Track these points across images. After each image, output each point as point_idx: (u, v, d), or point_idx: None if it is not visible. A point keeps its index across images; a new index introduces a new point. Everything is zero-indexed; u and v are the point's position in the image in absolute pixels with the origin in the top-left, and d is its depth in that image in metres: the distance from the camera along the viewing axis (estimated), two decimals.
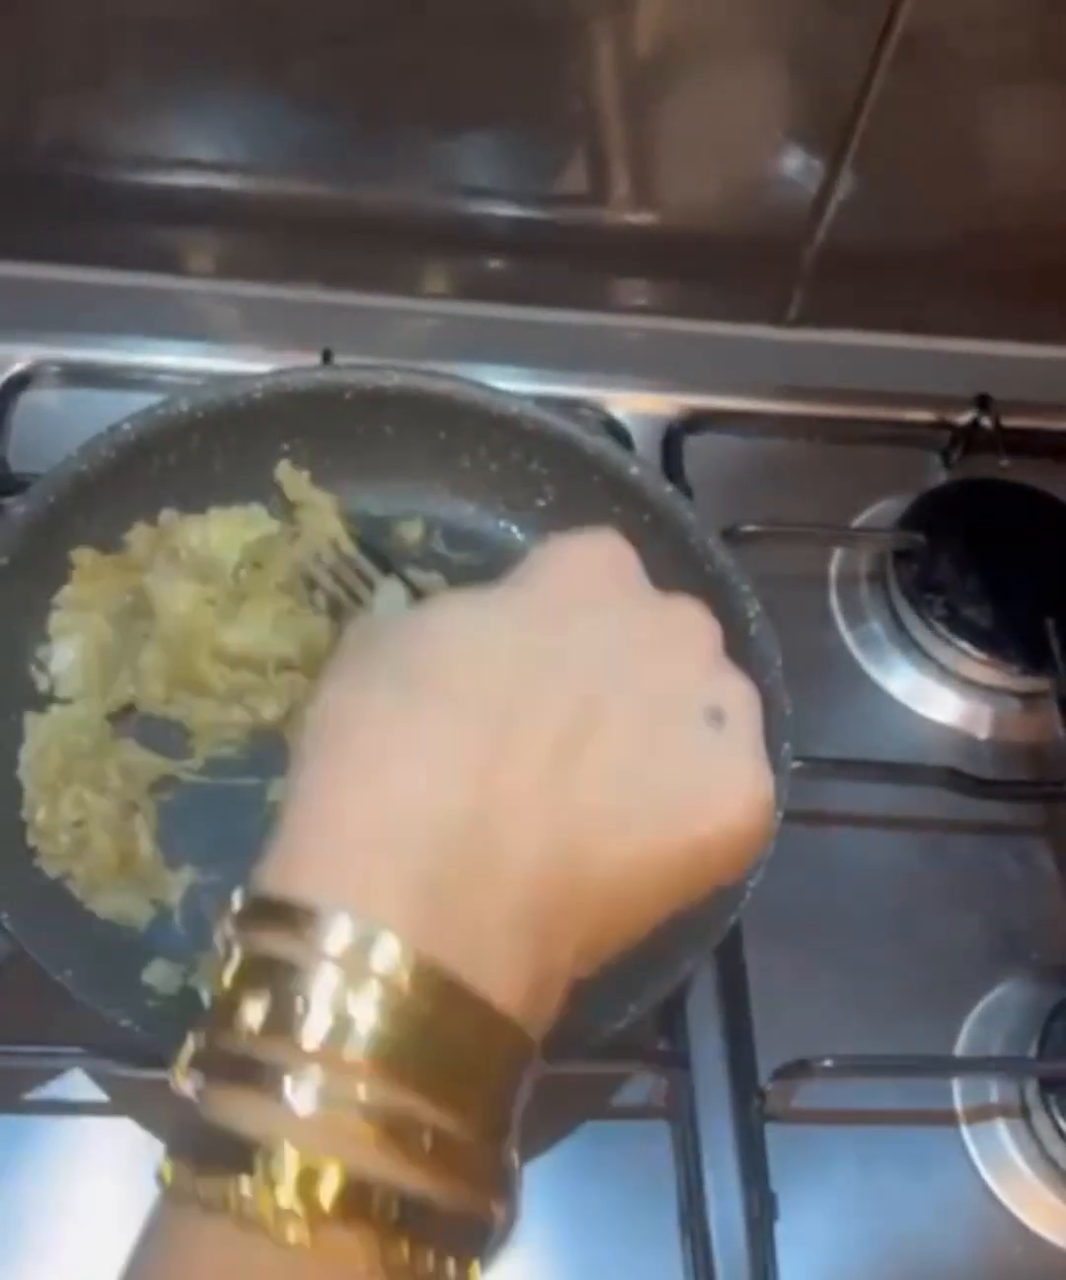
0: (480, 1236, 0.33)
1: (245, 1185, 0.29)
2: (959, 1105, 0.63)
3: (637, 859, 0.35)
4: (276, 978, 0.31)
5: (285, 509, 0.68)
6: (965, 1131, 0.63)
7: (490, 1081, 0.33)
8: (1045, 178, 0.79)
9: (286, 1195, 0.29)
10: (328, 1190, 0.29)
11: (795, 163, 0.77)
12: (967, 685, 0.74)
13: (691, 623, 0.39)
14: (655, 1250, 0.58)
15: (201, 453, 0.65)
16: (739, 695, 0.38)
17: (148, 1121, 0.59)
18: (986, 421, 0.81)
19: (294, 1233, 0.29)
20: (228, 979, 0.32)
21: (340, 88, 0.73)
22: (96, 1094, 0.59)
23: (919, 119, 0.75)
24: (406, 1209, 0.30)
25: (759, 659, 0.60)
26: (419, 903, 0.32)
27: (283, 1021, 0.31)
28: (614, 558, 0.40)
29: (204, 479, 0.66)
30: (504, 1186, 0.33)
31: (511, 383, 0.76)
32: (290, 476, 0.67)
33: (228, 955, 0.33)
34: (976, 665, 0.74)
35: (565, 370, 0.81)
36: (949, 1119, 0.63)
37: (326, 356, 0.75)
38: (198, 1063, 0.32)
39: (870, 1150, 0.62)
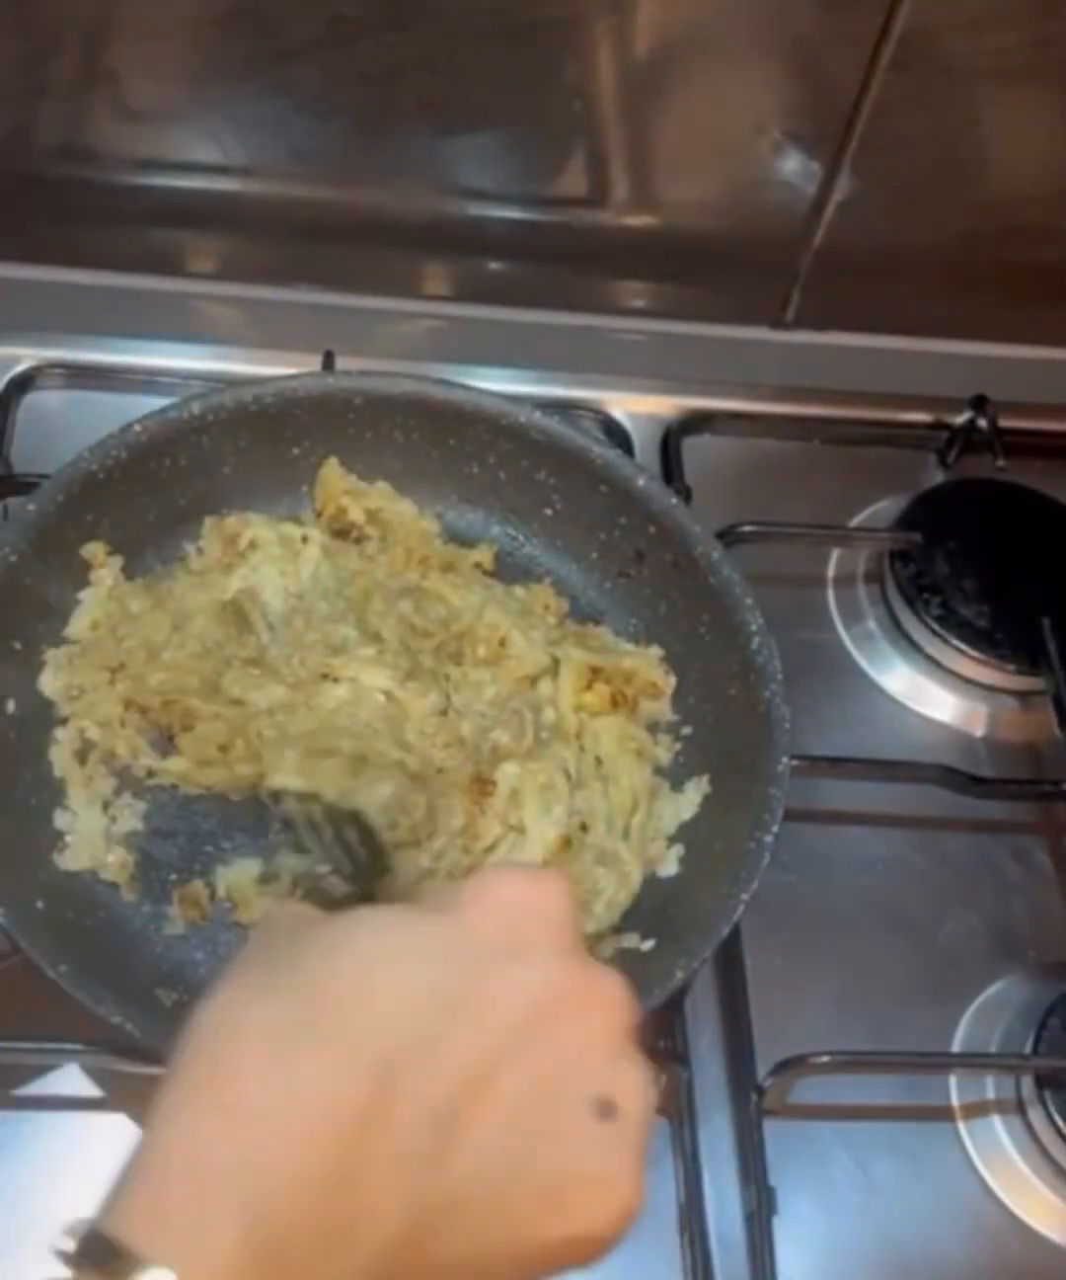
0: None
1: None
2: (955, 1101, 0.64)
3: (491, 1252, 0.34)
4: None
5: (316, 519, 0.69)
6: (961, 1127, 0.63)
7: None
8: (1042, 179, 0.79)
9: None
10: None
11: (793, 165, 0.78)
12: (964, 684, 0.75)
13: (608, 998, 0.36)
14: (654, 1245, 0.58)
15: (211, 455, 0.66)
16: (635, 1090, 0.36)
17: (143, 1117, 0.59)
18: (983, 422, 0.81)
19: None
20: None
21: (341, 90, 0.74)
22: (93, 1089, 0.60)
23: (917, 121, 0.75)
24: None
25: (759, 673, 0.61)
26: (257, 1268, 0.31)
27: None
28: (552, 907, 0.38)
29: (213, 481, 0.67)
30: None
31: (511, 384, 0.77)
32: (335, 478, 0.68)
33: None
34: (972, 664, 0.74)
35: (565, 371, 0.81)
36: (945, 1115, 0.63)
37: (328, 358, 0.75)
38: None
39: (867, 1146, 0.62)
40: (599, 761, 0.64)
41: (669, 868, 0.62)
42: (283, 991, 0.34)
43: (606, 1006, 0.36)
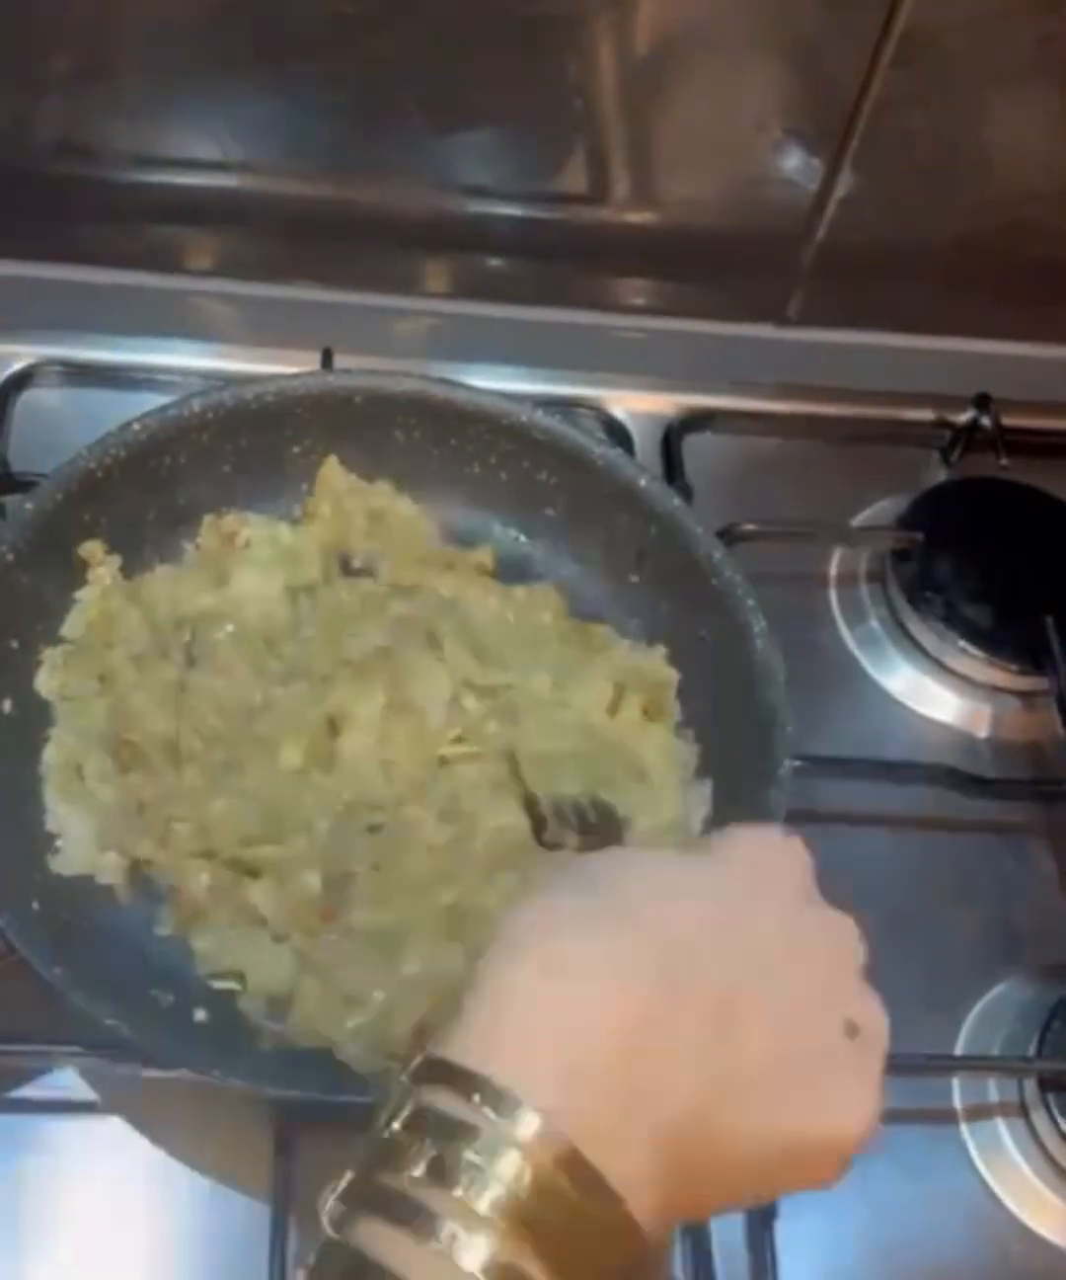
0: None
1: None
2: (958, 1104, 0.63)
3: (762, 1134, 0.38)
4: (443, 1133, 0.34)
5: (307, 516, 0.68)
6: (964, 1130, 0.63)
7: (603, 1269, 0.35)
8: (1046, 176, 0.79)
9: None
10: None
11: (795, 162, 0.77)
12: (966, 684, 0.74)
13: (847, 937, 0.42)
14: None
15: (211, 454, 0.66)
16: (876, 1018, 0.40)
17: (139, 1120, 0.59)
18: (986, 421, 0.81)
19: None
20: (398, 1125, 0.35)
21: (340, 87, 0.73)
22: (88, 1092, 0.59)
23: (918, 118, 0.75)
24: None
25: (762, 675, 0.61)
26: (579, 1095, 0.35)
27: (443, 1173, 0.34)
28: (794, 861, 0.43)
29: (213, 480, 0.67)
30: None
31: (511, 382, 0.76)
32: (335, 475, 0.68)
33: (400, 1105, 0.35)
34: (975, 664, 0.74)
35: (565, 369, 0.81)
36: (948, 1118, 0.63)
37: (326, 355, 0.75)
38: (352, 1193, 0.35)
39: (869, 1149, 0.62)
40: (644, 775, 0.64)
41: None
42: (588, 892, 0.39)
43: (845, 943, 0.42)
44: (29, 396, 0.77)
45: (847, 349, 0.86)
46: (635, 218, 0.81)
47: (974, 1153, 0.62)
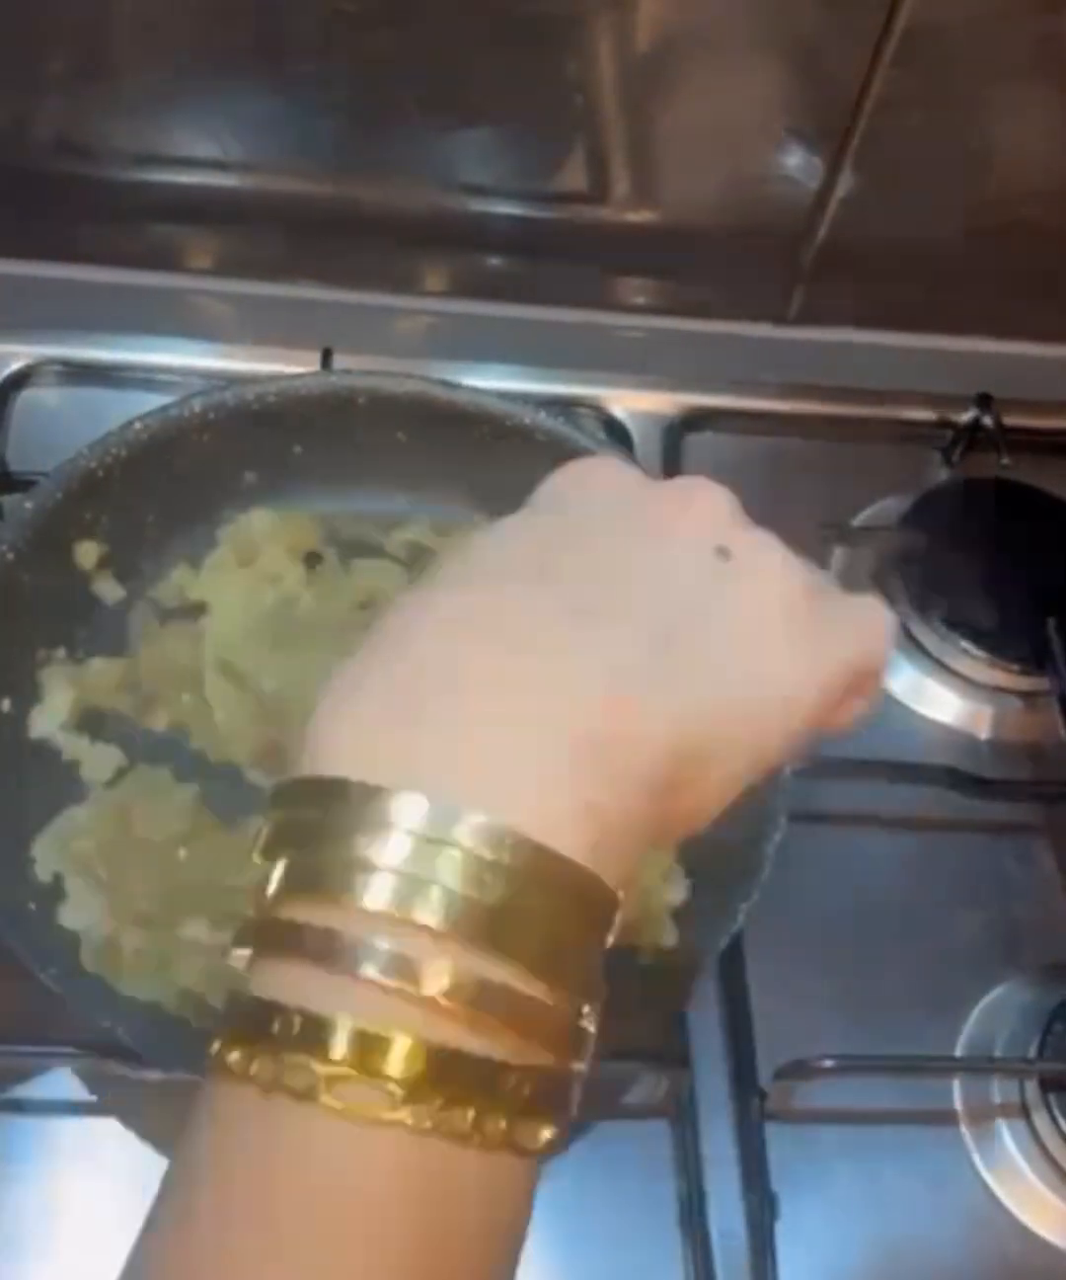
0: (564, 1102, 0.31)
1: (303, 1062, 0.28)
2: (959, 1105, 0.63)
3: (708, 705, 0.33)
4: (321, 840, 0.30)
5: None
6: (965, 1131, 0.63)
7: (577, 945, 0.31)
8: (1047, 175, 0.79)
9: (348, 1070, 0.28)
10: (397, 1064, 0.28)
11: (795, 161, 0.77)
12: (968, 684, 0.74)
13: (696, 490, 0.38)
14: (656, 1250, 0.58)
15: (212, 454, 0.65)
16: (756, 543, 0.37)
17: (137, 1121, 0.58)
18: (987, 420, 0.80)
19: (361, 1108, 0.28)
20: (266, 844, 0.31)
21: (340, 86, 0.73)
22: (85, 1094, 0.59)
23: (919, 117, 0.75)
24: (489, 1079, 0.29)
25: None
26: (462, 754, 0.31)
27: (342, 884, 0.29)
28: (619, 473, 0.39)
29: (214, 480, 0.66)
30: (585, 1050, 0.32)
31: (511, 381, 0.76)
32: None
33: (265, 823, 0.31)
34: (977, 664, 0.74)
35: (565, 369, 0.80)
36: (949, 1119, 0.63)
37: (326, 355, 0.75)
38: (244, 936, 0.31)
39: (871, 1150, 0.62)
40: None
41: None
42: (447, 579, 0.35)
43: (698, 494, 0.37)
44: (28, 396, 0.77)
45: (848, 349, 0.86)
46: (635, 217, 0.81)
47: (975, 1154, 0.62)
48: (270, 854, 0.31)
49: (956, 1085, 0.64)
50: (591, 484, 0.38)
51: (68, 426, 0.71)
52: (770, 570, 0.36)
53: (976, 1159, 0.62)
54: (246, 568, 0.66)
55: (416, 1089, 0.28)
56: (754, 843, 0.57)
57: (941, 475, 0.82)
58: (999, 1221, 0.61)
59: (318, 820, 0.30)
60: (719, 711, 0.33)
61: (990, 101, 0.75)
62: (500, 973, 0.29)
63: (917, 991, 0.65)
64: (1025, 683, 0.74)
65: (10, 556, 0.60)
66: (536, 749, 0.31)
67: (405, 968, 0.29)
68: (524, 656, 0.32)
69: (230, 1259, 0.29)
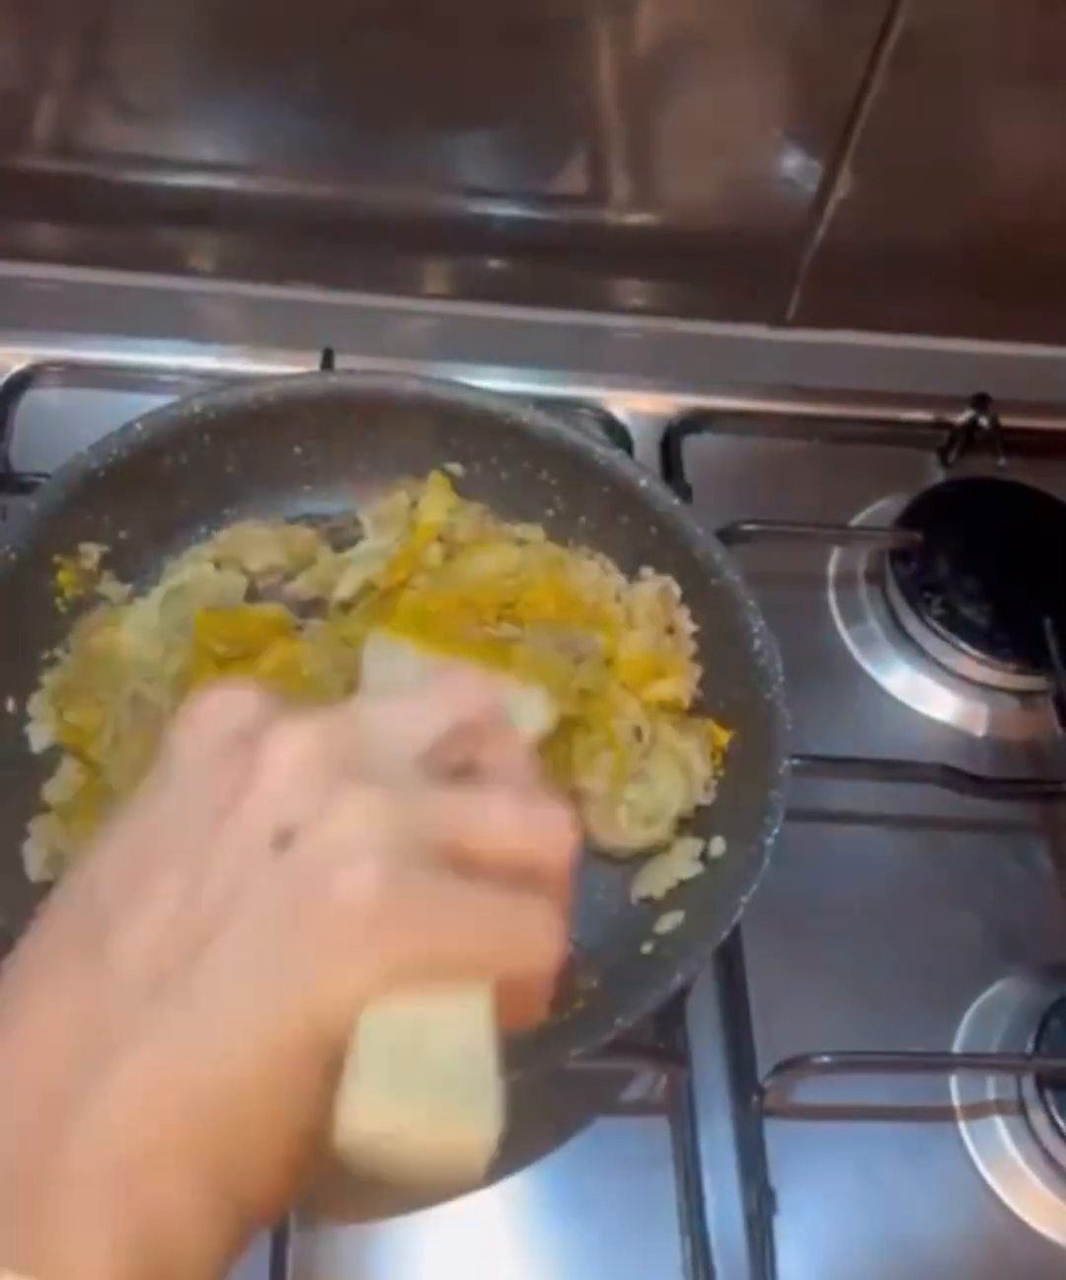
0: None
1: None
2: (956, 1101, 0.64)
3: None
4: None
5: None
6: (963, 1127, 0.63)
7: None
8: (1043, 177, 0.79)
9: None
10: None
11: (794, 163, 0.78)
12: (965, 684, 0.75)
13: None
14: (655, 1245, 0.58)
15: (213, 454, 0.66)
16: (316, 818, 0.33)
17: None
18: (984, 421, 0.81)
19: None
20: None
21: (340, 88, 0.74)
22: None
23: (917, 119, 0.75)
24: None
25: (761, 675, 0.61)
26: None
27: None
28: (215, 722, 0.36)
29: (215, 480, 0.67)
30: None
31: (511, 383, 0.77)
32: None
33: None
34: (973, 664, 0.74)
35: (565, 370, 0.81)
36: (946, 1115, 0.63)
37: (327, 356, 0.75)
38: None
39: (868, 1146, 0.62)
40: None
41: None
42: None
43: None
44: (30, 397, 0.77)
45: (846, 349, 0.86)
46: (635, 218, 0.81)
47: (972, 1150, 0.63)
48: None
49: (953, 1081, 0.64)
50: (184, 747, 0.35)
51: (70, 428, 0.71)
52: (325, 861, 0.32)
53: (973, 1154, 0.62)
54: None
55: None
56: (755, 834, 0.57)
57: (938, 476, 0.82)
58: (995, 1217, 0.61)
59: None
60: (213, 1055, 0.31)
61: (989, 103, 0.76)
62: None
63: (915, 988, 0.66)
64: (1021, 682, 0.74)
65: (13, 557, 0.60)
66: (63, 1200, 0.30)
67: None
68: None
69: None
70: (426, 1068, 0.32)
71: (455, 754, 0.36)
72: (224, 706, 0.36)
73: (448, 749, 0.36)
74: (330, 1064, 0.31)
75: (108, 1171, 0.30)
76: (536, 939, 0.33)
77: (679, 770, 0.63)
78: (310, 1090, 0.31)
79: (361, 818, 0.32)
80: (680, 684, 0.65)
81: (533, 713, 0.39)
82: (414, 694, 0.37)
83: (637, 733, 0.64)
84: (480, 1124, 0.31)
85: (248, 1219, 0.32)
